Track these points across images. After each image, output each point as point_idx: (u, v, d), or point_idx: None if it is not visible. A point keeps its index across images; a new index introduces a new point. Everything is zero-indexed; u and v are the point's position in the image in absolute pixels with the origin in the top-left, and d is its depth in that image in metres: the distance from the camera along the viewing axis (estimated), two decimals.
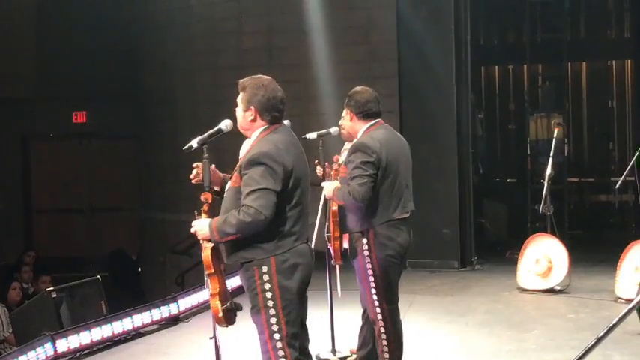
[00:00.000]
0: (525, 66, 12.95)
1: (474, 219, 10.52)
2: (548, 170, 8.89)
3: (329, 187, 5.29)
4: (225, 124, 4.31)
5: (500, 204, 12.43)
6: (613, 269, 8.14)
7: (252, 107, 4.18)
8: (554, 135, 9.41)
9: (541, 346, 6.59)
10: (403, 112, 10.28)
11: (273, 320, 4.05)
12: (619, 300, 7.87)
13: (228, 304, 4.05)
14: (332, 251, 5.63)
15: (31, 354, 6.09)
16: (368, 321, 5.28)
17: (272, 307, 4.05)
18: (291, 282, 4.06)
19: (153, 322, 7.50)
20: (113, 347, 6.98)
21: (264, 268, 4.04)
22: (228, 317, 4.07)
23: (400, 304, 5.30)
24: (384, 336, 5.15)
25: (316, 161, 5.75)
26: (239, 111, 4.25)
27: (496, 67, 14.19)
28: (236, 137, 4.41)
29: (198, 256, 4.31)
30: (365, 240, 5.08)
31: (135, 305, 7.62)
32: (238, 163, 4.13)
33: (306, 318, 4.31)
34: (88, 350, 6.76)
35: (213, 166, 4.25)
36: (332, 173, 5.72)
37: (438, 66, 10.07)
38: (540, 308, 8.05)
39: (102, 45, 15.66)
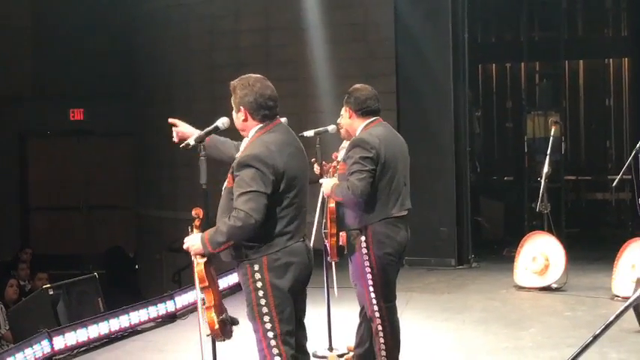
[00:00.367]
0: (523, 64, 12.96)
1: (471, 217, 10.52)
2: (546, 168, 8.89)
3: (327, 184, 5.28)
4: (222, 122, 4.30)
5: (498, 202, 12.43)
6: (610, 267, 8.15)
7: (242, 108, 4.18)
8: (552, 133, 9.41)
9: (538, 343, 6.59)
10: (400, 109, 10.28)
11: (267, 318, 4.05)
12: (616, 298, 7.88)
13: (223, 315, 4.05)
14: (328, 248, 5.63)
15: (28, 351, 6.08)
16: (365, 318, 5.28)
17: (264, 306, 4.05)
18: (283, 281, 4.05)
19: (150, 320, 7.49)
20: (110, 344, 6.97)
21: (256, 267, 4.04)
22: (225, 330, 4.07)
23: (397, 302, 5.29)
24: (381, 334, 5.14)
25: (313, 159, 5.75)
26: (233, 113, 4.26)
27: (493, 64, 14.18)
28: (234, 134, 4.41)
29: None
30: (363, 237, 5.08)
31: (132, 302, 7.61)
32: (232, 164, 4.13)
33: (304, 316, 4.31)
34: (84, 347, 6.75)
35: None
36: (330, 170, 5.71)
37: (436, 64, 10.07)
38: (537, 306, 8.05)
39: (99, 42, 15.68)
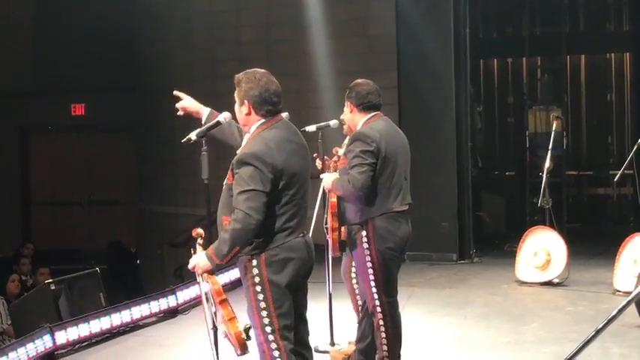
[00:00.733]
0: (524, 59, 12.95)
1: (473, 212, 10.54)
2: (547, 163, 8.89)
3: (328, 179, 5.28)
4: (223, 117, 4.31)
5: (499, 197, 12.44)
6: (611, 262, 8.16)
7: (246, 102, 4.18)
8: (553, 128, 9.40)
9: (539, 338, 6.59)
10: (402, 105, 10.28)
11: (264, 314, 4.06)
12: (617, 293, 7.89)
13: (247, 324, 4.02)
14: (330, 243, 5.62)
15: (30, 346, 6.09)
16: (367, 313, 5.28)
17: (262, 301, 4.05)
18: (281, 276, 4.06)
19: (151, 315, 7.51)
20: (111, 339, 6.99)
21: (254, 262, 4.05)
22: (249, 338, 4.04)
23: (399, 297, 5.29)
24: (382, 328, 5.15)
25: (315, 154, 5.74)
26: (236, 106, 4.25)
27: (495, 60, 14.16)
28: None
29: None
30: (364, 232, 5.08)
31: (133, 298, 7.63)
32: (232, 160, 4.13)
33: (306, 310, 4.31)
34: (86, 342, 6.77)
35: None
36: (331, 165, 5.71)
37: (437, 59, 10.07)
38: (539, 301, 8.06)
39: (100, 37, 15.66)
